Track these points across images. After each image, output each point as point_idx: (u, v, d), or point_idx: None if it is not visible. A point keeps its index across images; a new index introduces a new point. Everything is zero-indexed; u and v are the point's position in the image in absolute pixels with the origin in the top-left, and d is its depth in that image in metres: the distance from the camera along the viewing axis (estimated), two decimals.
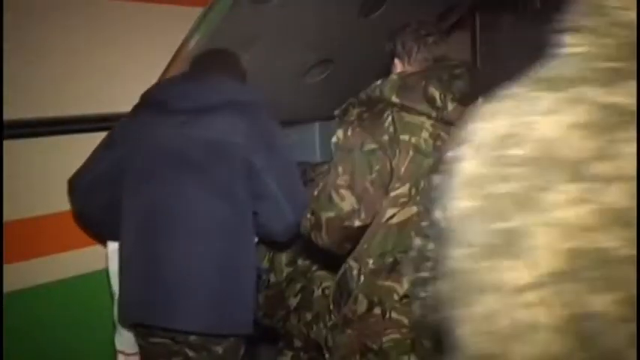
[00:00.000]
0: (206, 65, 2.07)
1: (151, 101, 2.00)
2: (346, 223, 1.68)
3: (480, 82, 1.73)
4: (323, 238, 1.75)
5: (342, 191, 1.67)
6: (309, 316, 2.42)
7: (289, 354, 2.55)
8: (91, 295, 2.24)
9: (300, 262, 2.48)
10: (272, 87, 2.67)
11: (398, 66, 1.84)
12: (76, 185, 2.05)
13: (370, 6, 2.52)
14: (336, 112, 1.83)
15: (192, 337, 1.90)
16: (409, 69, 1.79)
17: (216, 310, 1.88)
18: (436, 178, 1.50)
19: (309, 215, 1.77)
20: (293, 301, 2.49)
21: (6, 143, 1.99)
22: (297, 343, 2.51)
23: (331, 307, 1.86)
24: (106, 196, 2.00)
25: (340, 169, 1.69)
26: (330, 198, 1.68)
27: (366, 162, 1.65)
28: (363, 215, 1.67)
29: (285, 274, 2.48)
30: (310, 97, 2.72)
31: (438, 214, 1.42)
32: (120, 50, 2.27)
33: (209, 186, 1.87)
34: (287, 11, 2.24)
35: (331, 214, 1.69)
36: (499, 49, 3.90)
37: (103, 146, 2.02)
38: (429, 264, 1.50)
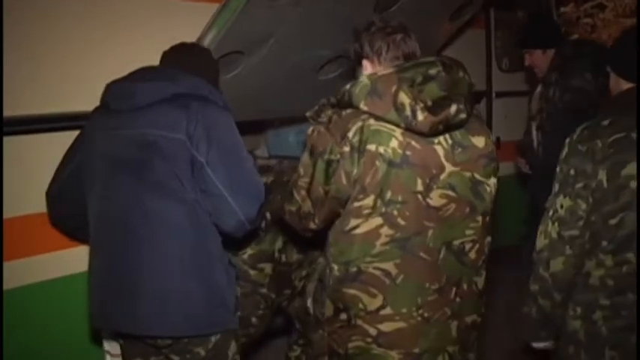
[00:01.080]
0: (168, 60, 2.00)
1: (101, 103, 1.95)
2: (303, 222, 1.75)
3: (458, 79, 1.66)
4: (286, 221, 1.85)
5: (303, 192, 1.70)
6: None
7: (298, 350, 2.59)
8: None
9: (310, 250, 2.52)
10: (286, 83, 2.68)
11: (368, 67, 1.77)
12: (48, 194, 2.03)
13: (386, 2, 2.52)
14: (308, 114, 1.76)
15: (159, 341, 1.88)
16: (379, 69, 1.71)
17: (181, 312, 1.82)
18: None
19: (279, 196, 1.85)
20: (298, 284, 2.56)
21: (6, 139, 1.99)
22: (297, 325, 2.59)
23: (309, 304, 1.85)
24: (73, 203, 1.97)
25: (302, 170, 1.70)
26: (292, 194, 1.74)
27: (324, 172, 1.64)
28: (317, 220, 1.71)
29: (294, 259, 2.55)
30: (324, 93, 2.71)
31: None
32: (132, 45, 2.26)
33: (154, 186, 1.80)
34: (302, 7, 2.24)
35: (292, 208, 1.76)
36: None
37: (67, 153, 2.00)
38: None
